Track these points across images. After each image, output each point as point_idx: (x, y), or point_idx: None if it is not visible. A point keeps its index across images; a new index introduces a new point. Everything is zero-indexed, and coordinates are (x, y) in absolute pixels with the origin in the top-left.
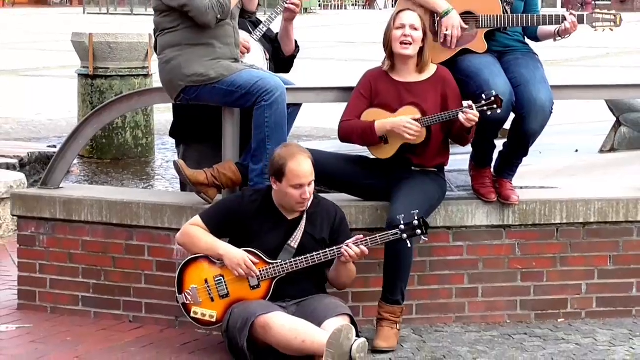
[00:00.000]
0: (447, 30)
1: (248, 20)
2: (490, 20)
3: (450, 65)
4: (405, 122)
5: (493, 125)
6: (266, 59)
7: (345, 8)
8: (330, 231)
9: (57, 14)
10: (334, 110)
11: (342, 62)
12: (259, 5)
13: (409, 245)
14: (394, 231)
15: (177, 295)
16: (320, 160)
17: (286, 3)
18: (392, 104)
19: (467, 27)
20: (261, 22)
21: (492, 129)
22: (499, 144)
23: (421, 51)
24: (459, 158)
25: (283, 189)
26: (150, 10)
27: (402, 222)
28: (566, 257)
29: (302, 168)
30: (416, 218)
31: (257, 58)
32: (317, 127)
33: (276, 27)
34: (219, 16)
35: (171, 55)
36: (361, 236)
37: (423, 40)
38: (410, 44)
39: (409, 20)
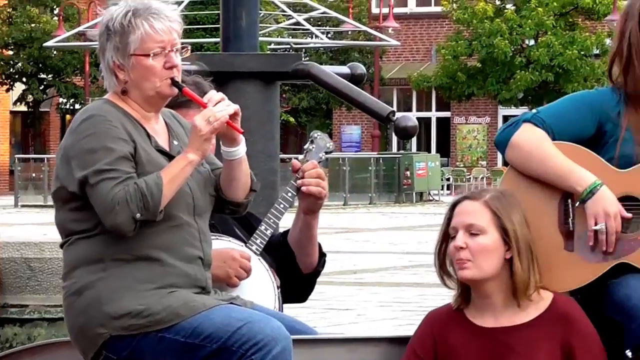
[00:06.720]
0: (596, 223)
1: (232, 217)
2: None
3: (589, 292)
4: None
5: None
6: (276, 287)
7: None
8: None
9: None
10: None
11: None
12: (252, 190)
13: None
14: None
15: None
16: None
17: (297, 182)
18: None
19: (629, 215)
20: (259, 219)
21: None
22: None
23: (511, 267)
24: None
25: None
26: None
27: None
28: None
29: None
30: None
31: (262, 287)
32: None
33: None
34: (137, 216)
35: (86, 280)
36: None
37: (512, 249)
38: (469, 261)
39: (464, 218)
